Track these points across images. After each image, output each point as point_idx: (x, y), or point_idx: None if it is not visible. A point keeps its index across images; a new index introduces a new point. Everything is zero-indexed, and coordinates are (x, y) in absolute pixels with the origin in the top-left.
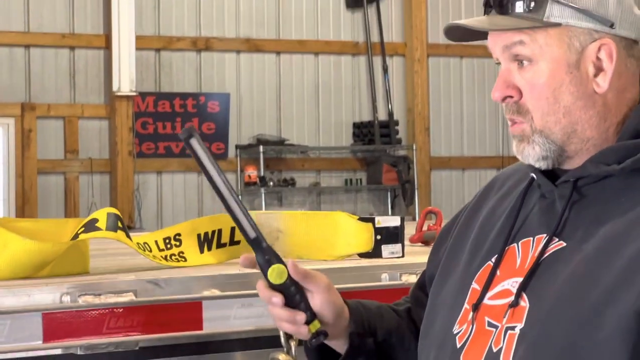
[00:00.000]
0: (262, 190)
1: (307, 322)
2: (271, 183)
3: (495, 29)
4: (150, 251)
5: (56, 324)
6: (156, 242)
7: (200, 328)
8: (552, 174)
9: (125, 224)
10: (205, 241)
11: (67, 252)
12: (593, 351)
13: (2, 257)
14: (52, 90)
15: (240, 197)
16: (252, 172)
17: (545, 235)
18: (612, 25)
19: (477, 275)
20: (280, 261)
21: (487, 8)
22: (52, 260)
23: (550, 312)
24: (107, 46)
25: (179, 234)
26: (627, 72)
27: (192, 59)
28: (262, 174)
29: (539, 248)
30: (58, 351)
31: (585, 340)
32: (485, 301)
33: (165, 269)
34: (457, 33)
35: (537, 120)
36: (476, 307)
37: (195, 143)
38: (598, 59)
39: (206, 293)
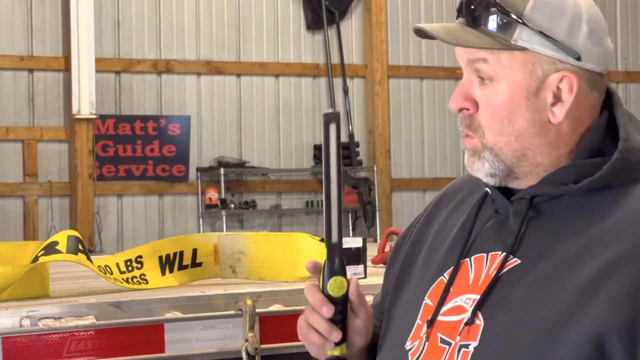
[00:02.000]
0: (223, 212)
1: (338, 344)
2: (232, 205)
3: (458, 44)
4: (112, 274)
5: (16, 348)
6: (117, 264)
7: (163, 351)
8: (505, 190)
9: (85, 246)
10: (167, 263)
11: (27, 276)
12: None
13: None
14: (10, 113)
15: (201, 219)
16: (213, 195)
17: (500, 252)
18: (578, 58)
19: (429, 291)
20: (345, 275)
21: (459, 16)
22: (12, 283)
23: (506, 331)
24: (67, 68)
25: (140, 256)
26: (585, 104)
27: (152, 81)
28: (223, 196)
29: (494, 265)
30: None
31: None
32: (439, 317)
33: (126, 291)
34: (422, 32)
35: (489, 138)
36: (431, 323)
37: (333, 129)
38: (558, 89)
39: (168, 315)
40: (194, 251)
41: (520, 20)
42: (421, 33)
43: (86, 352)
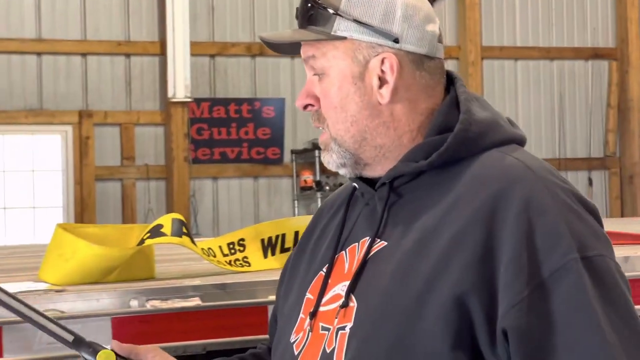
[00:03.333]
0: (318, 194)
1: None
2: (327, 187)
3: (277, 41)
4: (215, 256)
5: (125, 328)
6: (220, 247)
7: (266, 332)
8: (373, 184)
9: (190, 229)
10: (269, 246)
11: (134, 258)
12: (418, 341)
13: (72, 263)
14: (108, 98)
15: (296, 201)
16: (307, 177)
17: (368, 237)
18: (396, 40)
19: (310, 286)
20: (102, 347)
21: (297, 21)
22: (119, 265)
23: (377, 308)
24: (162, 53)
25: (242, 239)
26: (416, 84)
27: (246, 64)
28: (317, 178)
29: (363, 250)
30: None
31: (410, 332)
32: (320, 308)
33: (229, 274)
34: (273, 46)
35: (331, 127)
36: (313, 315)
37: None
38: (382, 71)
39: (271, 297)
40: (296, 234)
41: (336, 13)
42: (272, 46)
43: (192, 333)
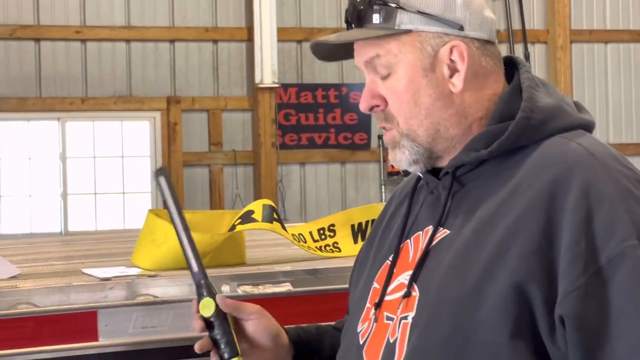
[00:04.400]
0: (405, 180)
1: (230, 357)
2: None
3: (340, 40)
4: (305, 242)
5: None
6: (310, 233)
7: None
8: (437, 171)
9: (280, 215)
10: (359, 231)
11: (225, 243)
12: (476, 331)
13: (164, 248)
14: (196, 84)
15: (383, 187)
16: None
17: (431, 226)
18: (461, 28)
19: (377, 275)
20: (211, 295)
21: (348, 24)
22: (211, 251)
23: (435, 297)
24: (250, 39)
25: (332, 225)
26: (482, 71)
27: None
28: None
29: (426, 239)
30: None
31: (468, 321)
32: (385, 298)
33: (320, 259)
34: (321, 52)
35: (402, 124)
36: (378, 304)
37: (162, 181)
38: (451, 60)
39: None
40: None
41: (398, 6)
42: (318, 53)
43: (283, 318)
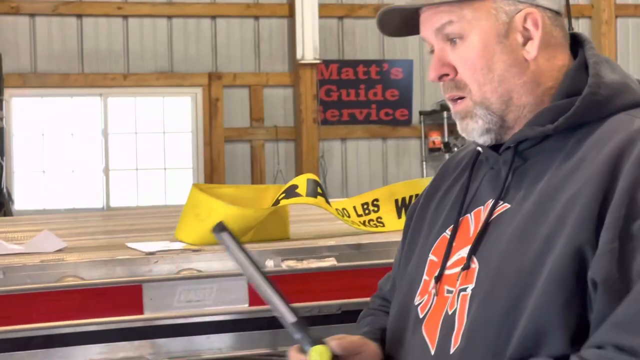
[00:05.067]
0: (447, 155)
1: None
2: (455, 148)
3: (415, 5)
4: (349, 217)
5: None
6: (354, 207)
7: None
8: (497, 148)
9: (324, 190)
10: (403, 206)
11: (269, 218)
12: (534, 300)
13: (208, 223)
14: (237, 60)
15: (424, 162)
16: (436, 138)
17: (492, 200)
18: None
19: (433, 247)
20: (320, 342)
21: None
22: (255, 225)
23: (496, 268)
24: (291, 15)
25: (376, 200)
26: (554, 41)
27: (374, 26)
28: (446, 139)
29: (486, 212)
30: (263, 314)
31: (526, 293)
32: (446, 271)
33: (363, 234)
34: (390, 27)
35: (475, 92)
36: (438, 278)
37: (226, 237)
38: (525, 28)
39: None
40: None
41: None
42: (386, 28)
43: (327, 293)
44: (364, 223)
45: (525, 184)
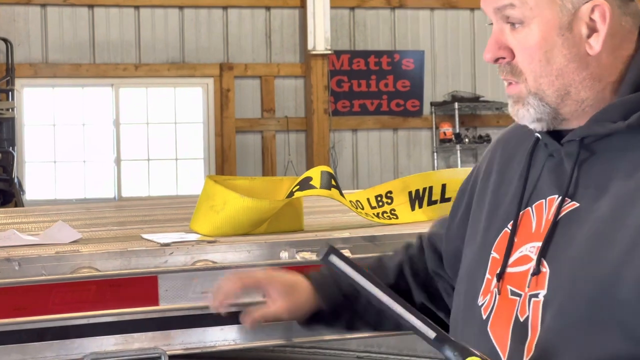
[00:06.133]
0: (458, 147)
1: None
2: (466, 140)
3: None
4: (363, 209)
5: None
6: (368, 199)
7: None
8: (555, 132)
9: (338, 182)
10: (417, 198)
11: (283, 210)
12: (615, 313)
13: (223, 215)
14: (248, 50)
15: (435, 153)
16: (447, 129)
17: (556, 196)
18: None
19: (495, 244)
20: (473, 353)
21: None
22: (269, 217)
23: (571, 276)
24: (302, 5)
25: (390, 192)
26: (621, 30)
27: (386, 16)
28: (457, 130)
29: (552, 210)
30: None
31: (607, 302)
32: (507, 269)
33: (377, 226)
34: None
35: (531, 81)
36: (500, 276)
37: (335, 260)
38: (591, 19)
39: None
40: (443, 186)
41: None
42: None
43: None
44: (377, 215)
45: (593, 181)
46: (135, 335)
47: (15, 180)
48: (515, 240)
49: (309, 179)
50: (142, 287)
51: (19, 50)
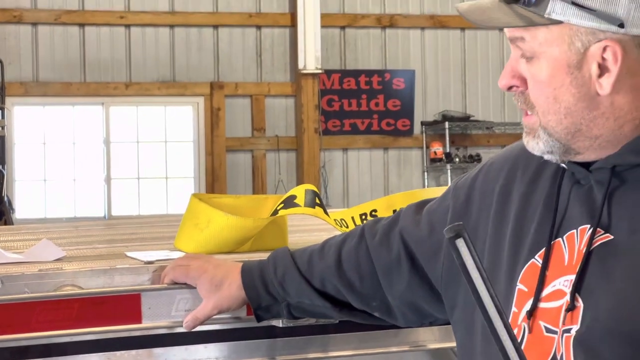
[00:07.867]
0: (448, 166)
1: None
2: (457, 159)
3: (484, 25)
4: (347, 227)
5: None
6: (352, 218)
7: None
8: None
9: (322, 200)
10: None
11: (267, 228)
12: None
13: (207, 233)
14: (239, 69)
15: (426, 173)
16: (437, 149)
17: (588, 225)
18: (620, 25)
19: (521, 275)
20: None
21: None
22: (253, 235)
23: (609, 313)
24: (293, 24)
25: (375, 210)
26: None
27: (376, 36)
28: (447, 150)
29: (584, 241)
30: (261, 323)
31: None
32: (540, 305)
33: None
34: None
35: (541, 117)
36: (531, 312)
37: (461, 246)
38: (603, 59)
39: None
40: None
41: None
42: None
43: None
44: None
45: (627, 212)
46: (118, 353)
47: (5, 198)
48: (547, 273)
49: (294, 197)
50: (125, 305)
51: (9, 69)
